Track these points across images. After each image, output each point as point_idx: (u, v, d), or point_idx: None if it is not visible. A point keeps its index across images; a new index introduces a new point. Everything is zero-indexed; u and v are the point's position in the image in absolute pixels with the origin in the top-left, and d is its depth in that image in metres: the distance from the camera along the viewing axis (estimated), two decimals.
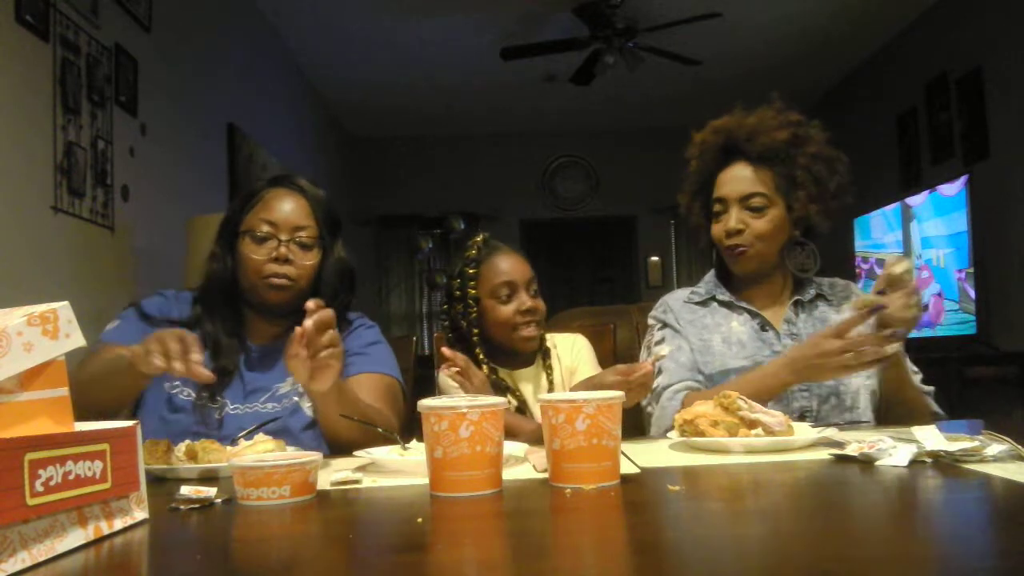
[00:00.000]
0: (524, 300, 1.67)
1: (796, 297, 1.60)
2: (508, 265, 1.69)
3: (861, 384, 1.51)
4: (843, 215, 1.61)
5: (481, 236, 1.77)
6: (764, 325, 1.58)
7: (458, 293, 1.71)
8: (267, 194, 1.50)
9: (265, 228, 1.46)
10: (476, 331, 1.70)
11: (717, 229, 1.58)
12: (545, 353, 1.77)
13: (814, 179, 1.53)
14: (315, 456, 0.97)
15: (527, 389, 1.73)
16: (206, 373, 1.17)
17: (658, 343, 1.62)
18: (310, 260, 1.49)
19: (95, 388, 1.26)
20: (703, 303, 1.65)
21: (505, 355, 1.74)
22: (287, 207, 1.48)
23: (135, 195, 2.98)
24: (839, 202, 1.57)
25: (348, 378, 1.47)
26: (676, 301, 1.67)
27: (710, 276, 1.69)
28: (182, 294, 1.56)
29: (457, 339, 1.72)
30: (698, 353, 1.58)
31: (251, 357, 1.49)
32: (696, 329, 1.61)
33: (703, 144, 1.63)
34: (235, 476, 0.94)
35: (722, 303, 1.63)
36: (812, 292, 1.61)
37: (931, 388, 1.53)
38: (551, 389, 1.72)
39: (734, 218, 1.54)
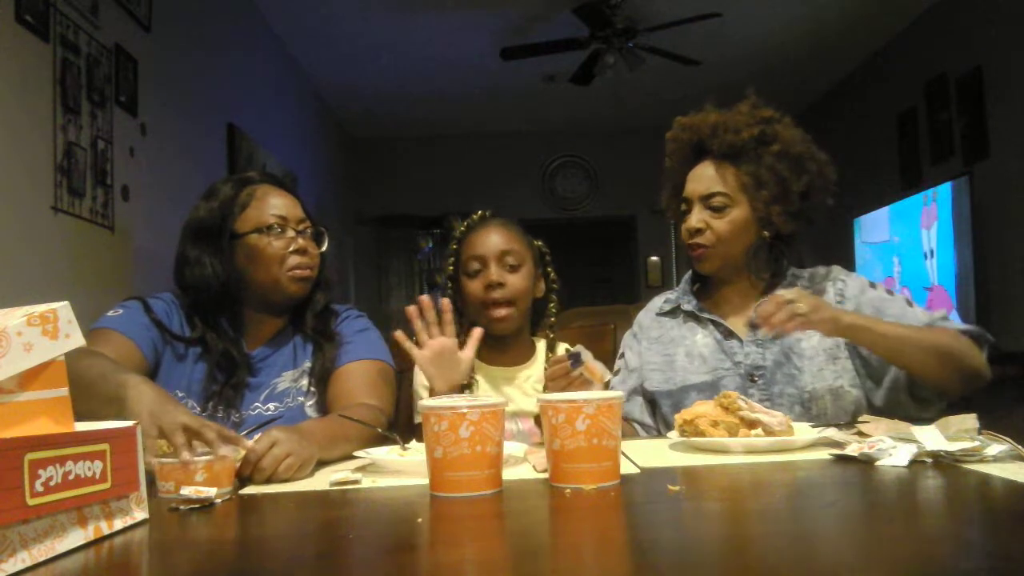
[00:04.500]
0: (490, 273, 1.58)
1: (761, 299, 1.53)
2: (480, 238, 1.62)
3: (827, 388, 1.44)
4: (820, 216, 1.54)
5: (479, 212, 1.70)
6: (728, 334, 1.53)
7: (448, 271, 1.68)
8: (258, 191, 1.50)
9: (277, 222, 1.47)
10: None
11: (683, 229, 1.56)
12: (550, 347, 1.68)
13: (777, 178, 1.46)
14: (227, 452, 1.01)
15: (496, 380, 1.64)
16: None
17: (620, 357, 1.67)
18: (319, 250, 1.52)
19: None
20: (672, 312, 1.62)
21: (497, 346, 1.65)
22: (286, 202, 1.50)
23: (135, 195, 2.97)
24: (812, 203, 1.50)
25: (340, 367, 1.48)
26: (648, 316, 1.66)
27: (686, 279, 1.67)
28: (176, 301, 1.52)
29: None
30: (660, 370, 1.56)
31: (253, 364, 1.49)
32: (662, 345, 1.59)
33: (674, 142, 1.60)
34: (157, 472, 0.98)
35: (687, 314, 1.59)
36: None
37: (938, 313, 1.51)
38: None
39: (695, 217, 1.51)
